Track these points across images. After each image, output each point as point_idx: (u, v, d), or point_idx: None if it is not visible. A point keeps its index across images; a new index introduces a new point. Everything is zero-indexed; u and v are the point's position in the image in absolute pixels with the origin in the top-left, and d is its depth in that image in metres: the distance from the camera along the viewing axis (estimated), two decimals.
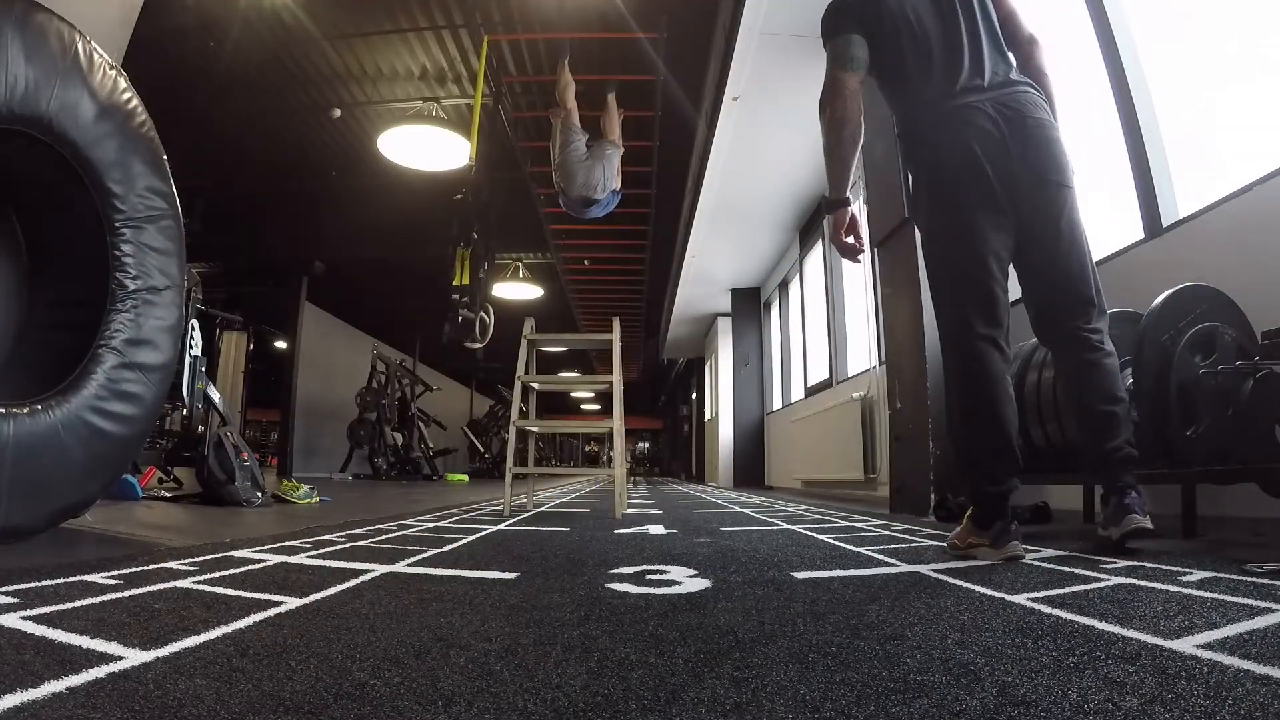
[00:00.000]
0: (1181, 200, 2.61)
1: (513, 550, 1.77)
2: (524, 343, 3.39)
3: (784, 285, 8.07)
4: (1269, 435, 1.76)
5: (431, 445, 11.28)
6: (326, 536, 1.96)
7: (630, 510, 3.47)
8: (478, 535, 2.14)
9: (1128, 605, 1.02)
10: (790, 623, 0.96)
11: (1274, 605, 0.99)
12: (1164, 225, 2.59)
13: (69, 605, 0.97)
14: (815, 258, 6.59)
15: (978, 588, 1.22)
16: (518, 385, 3.29)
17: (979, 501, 1.65)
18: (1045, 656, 0.77)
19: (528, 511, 3.30)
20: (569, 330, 11.36)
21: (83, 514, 1.97)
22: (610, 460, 3.97)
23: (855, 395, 4.99)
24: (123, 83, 1.95)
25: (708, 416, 11.52)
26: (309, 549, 1.68)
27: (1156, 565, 1.39)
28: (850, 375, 5.59)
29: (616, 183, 4.38)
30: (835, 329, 5.87)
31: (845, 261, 5.70)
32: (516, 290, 10.16)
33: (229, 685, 0.66)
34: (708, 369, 11.73)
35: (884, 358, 3.95)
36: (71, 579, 1.16)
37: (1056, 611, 1.00)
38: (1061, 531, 2.33)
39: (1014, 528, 1.59)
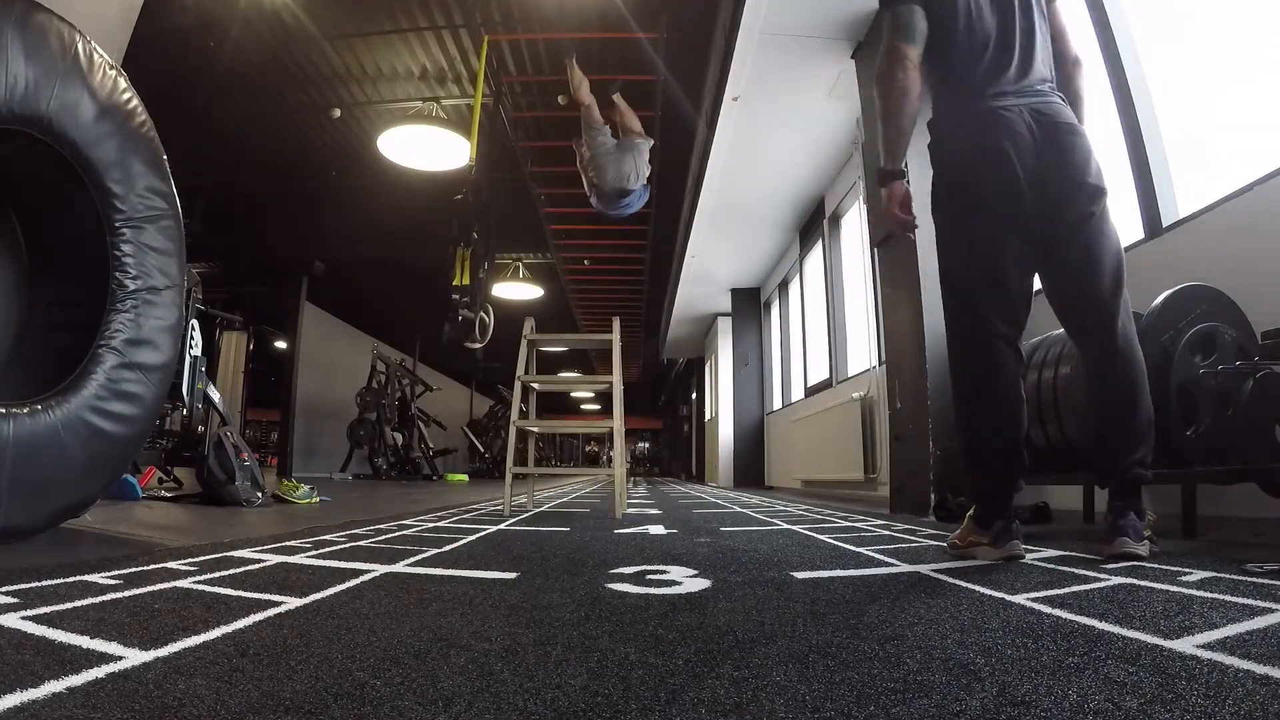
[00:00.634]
0: (1181, 200, 2.61)
1: (513, 550, 1.77)
2: (524, 343, 3.39)
3: (784, 285, 8.07)
4: (1269, 435, 1.76)
5: (431, 445, 11.28)
6: (326, 536, 1.96)
7: (630, 510, 3.47)
8: (478, 535, 2.14)
9: (1128, 605, 1.02)
10: (790, 623, 0.96)
11: (1274, 605, 0.99)
12: (1164, 225, 2.59)
13: (69, 605, 0.97)
14: (815, 258, 6.59)
15: (978, 588, 1.22)
16: (518, 385, 3.29)
17: (981, 499, 1.65)
18: (1045, 656, 0.77)
19: (528, 511, 3.30)
20: (569, 330, 11.36)
21: (83, 514, 1.97)
22: (610, 460, 3.97)
23: (855, 395, 4.99)
24: (123, 83, 1.95)
25: (708, 416, 11.52)
26: (309, 549, 1.68)
27: (1156, 565, 1.39)
28: (850, 375, 5.59)
29: (648, 171, 4.30)
30: (835, 329, 5.87)
31: (845, 261, 5.74)
32: (516, 290, 10.16)
33: (229, 685, 0.66)
34: (708, 369, 11.73)
35: (884, 358, 3.95)
36: (71, 579, 1.16)
37: (1056, 611, 1.00)
38: (1061, 531, 2.33)
39: (1015, 527, 1.59)
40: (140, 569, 1.30)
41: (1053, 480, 2.58)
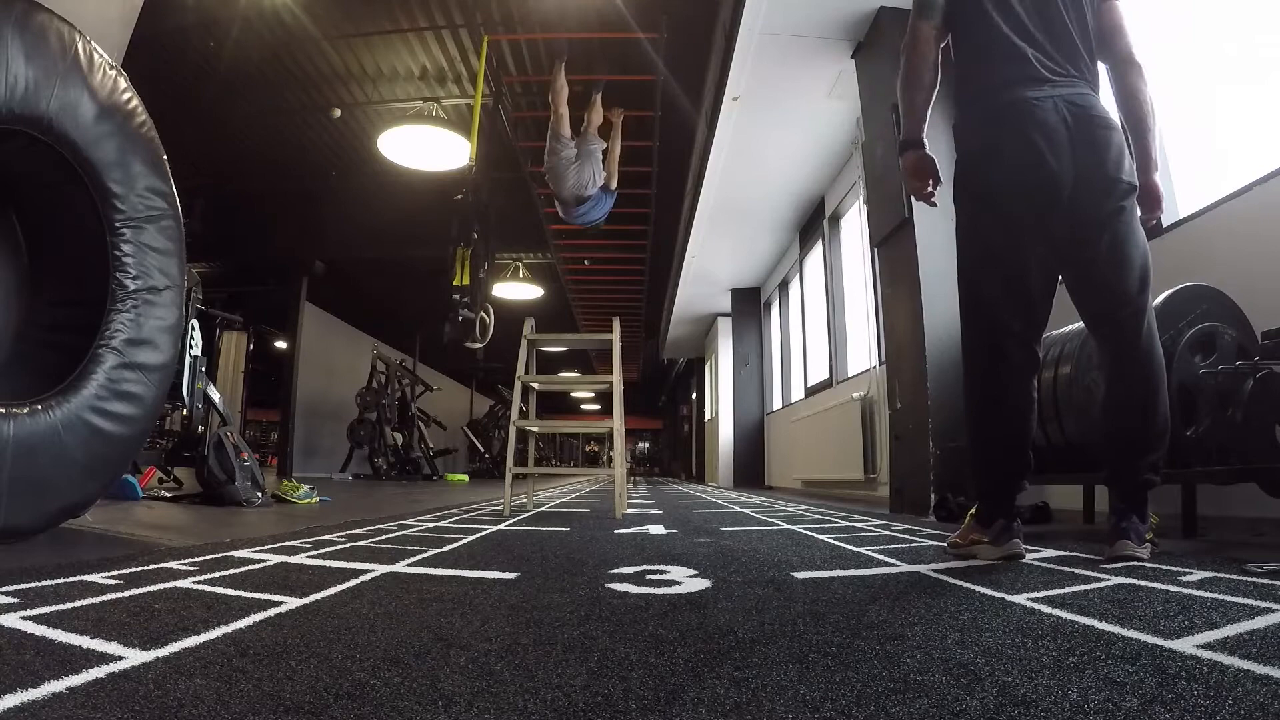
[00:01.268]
0: (1181, 200, 2.61)
1: (513, 550, 1.77)
2: (524, 343, 3.39)
3: (784, 285, 8.07)
4: (1269, 435, 1.76)
5: (431, 445, 11.28)
6: (326, 536, 1.96)
7: (630, 510, 3.47)
8: (478, 535, 2.14)
9: (1128, 605, 1.02)
10: (790, 623, 0.96)
11: (1274, 605, 0.99)
12: (1164, 225, 2.59)
13: (69, 605, 0.97)
14: (815, 258, 6.59)
15: (978, 588, 1.22)
16: (518, 385, 3.29)
17: (984, 498, 1.64)
18: (1045, 656, 0.77)
19: (528, 511, 3.30)
20: (569, 330, 11.36)
21: (83, 514, 1.97)
22: (610, 460, 3.98)
23: (855, 395, 4.99)
24: (123, 83, 1.95)
25: (708, 416, 11.52)
26: (309, 549, 1.68)
27: (1156, 565, 1.39)
28: (850, 375, 5.59)
29: (610, 181, 4.53)
30: (835, 329, 5.87)
31: (845, 261, 5.74)
32: (516, 290, 10.16)
33: (229, 685, 0.66)
34: (708, 369, 11.73)
35: (884, 358, 3.95)
36: (71, 579, 1.16)
37: (1056, 611, 1.00)
38: (1061, 531, 2.33)
39: (1016, 526, 1.59)
40: (140, 569, 1.30)
41: (1053, 480, 2.58)
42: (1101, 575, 1.30)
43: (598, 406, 26.89)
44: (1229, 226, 2.28)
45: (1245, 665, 0.71)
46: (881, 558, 1.65)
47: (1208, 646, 0.79)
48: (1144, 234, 1.60)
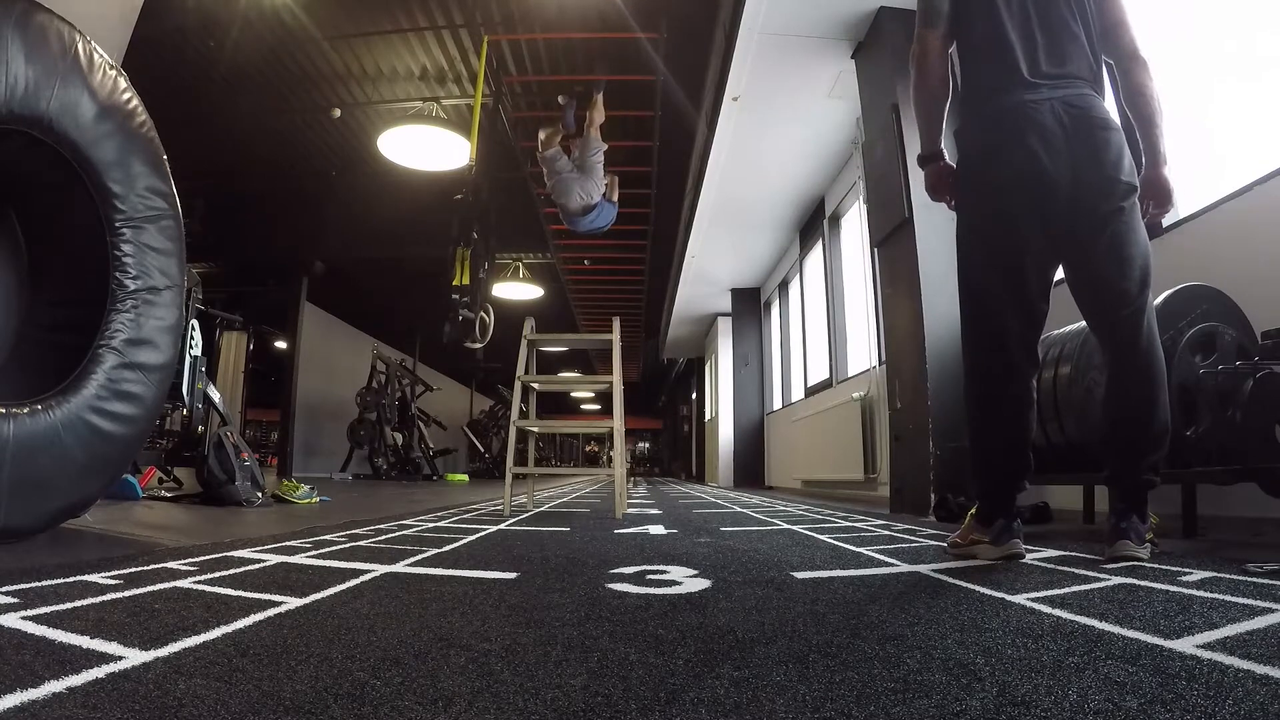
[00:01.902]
0: (1181, 200, 2.61)
1: (513, 550, 1.77)
2: (524, 343, 3.39)
3: (784, 285, 8.07)
4: (1269, 435, 1.76)
5: (431, 445, 11.28)
6: (326, 536, 1.96)
7: (630, 510, 3.47)
8: (478, 535, 2.14)
9: (1128, 605, 1.02)
10: (790, 623, 0.96)
11: (1274, 605, 0.99)
12: (1164, 225, 2.59)
13: (69, 605, 0.97)
14: (815, 258, 6.59)
15: (978, 588, 1.22)
16: (518, 385, 3.29)
17: (985, 498, 1.65)
18: (1045, 656, 0.77)
19: (528, 511, 3.30)
20: (569, 330, 11.36)
21: (83, 514, 1.97)
22: (610, 460, 3.98)
23: (855, 395, 4.99)
24: (123, 83, 1.95)
25: (708, 416, 11.52)
26: (309, 549, 1.68)
27: (1156, 565, 1.39)
28: (850, 375, 5.59)
29: (611, 193, 4.73)
30: (835, 329, 5.87)
31: (845, 261, 5.74)
32: (516, 290, 10.16)
33: (229, 685, 0.66)
34: (708, 369, 11.73)
35: (884, 358, 3.95)
36: (71, 579, 1.16)
37: (1056, 611, 1.00)
38: (1061, 531, 2.33)
39: (1016, 526, 1.59)
40: (140, 569, 1.30)
41: (1053, 480, 2.58)
42: (1101, 575, 1.30)
43: (598, 406, 26.89)
44: (1229, 226, 2.28)
45: (1245, 665, 0.71)
46: (881, 558, 1.65)
47: (1208, 646, 0.79)
48: (1145, 234, 1.59)
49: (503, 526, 2.47)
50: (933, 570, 1.44)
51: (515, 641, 0.85)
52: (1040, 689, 0.66)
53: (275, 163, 7.39)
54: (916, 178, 3.24)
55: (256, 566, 1.39)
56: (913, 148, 3.28)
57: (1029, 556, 1.58)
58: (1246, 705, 0.60)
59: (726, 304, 9.28)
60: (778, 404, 8.38)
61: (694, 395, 14.58)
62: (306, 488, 3.80)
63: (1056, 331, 2.37)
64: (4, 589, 1.05)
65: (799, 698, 0.64)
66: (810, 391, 6.76)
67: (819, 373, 6.50)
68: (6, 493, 1.56)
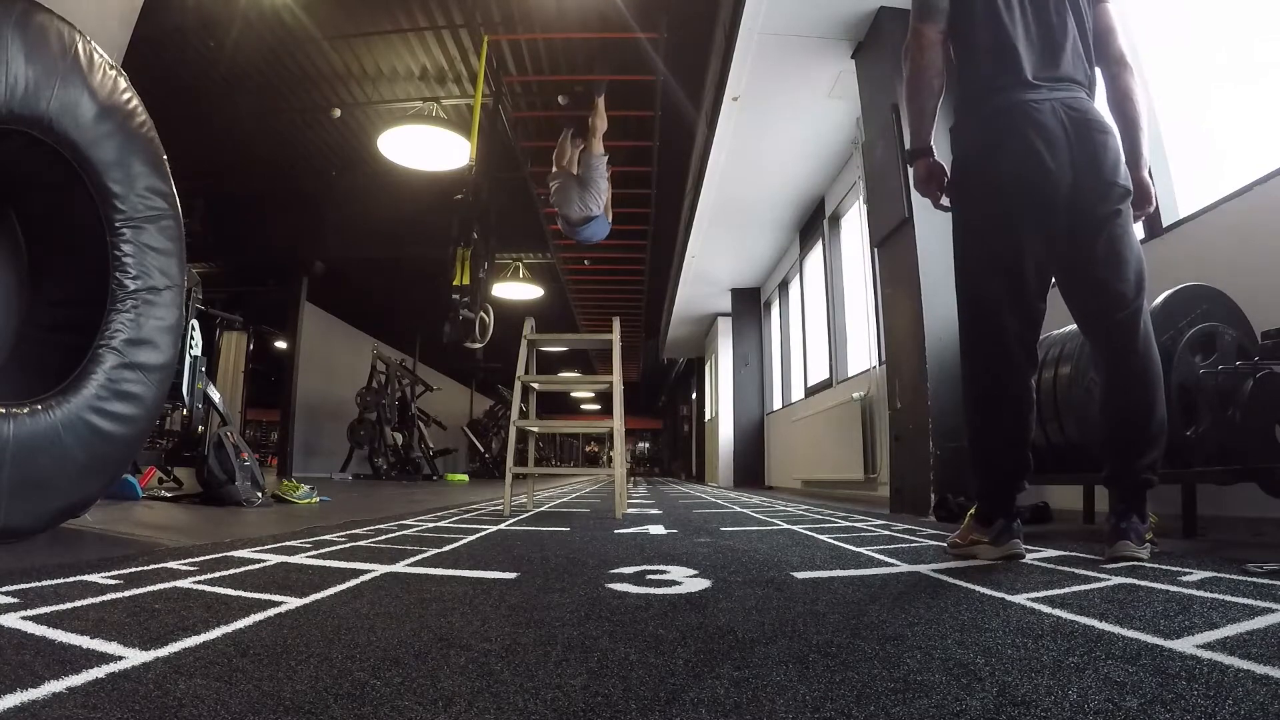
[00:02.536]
0: (1181, 200, 2.61)
1: (513, 550, 1.77)
2: (524, 343, 3.39)
3: (784, 285, 8.07)
4: (1269, 435, 1.76)
5: (431, 445, 11.27)
6: (326, 536, 1.96)
7: (630, 510, 3.47)
8: (478, 535, 2.14)
9: (1128, 605, 1.02)
10: (790, 623, 0.96)
11: (1274, 605, 0.99)
12: (1164, 225, 2.59)
13: (69, 605, 0.97)
14: (815, 258, 6.59)
15: (978, 588, 1.22)
16: (518, 385, 3.29)
17: (984, 498, 1.65)
18: (1045, 656, 0.77)
19: (528, 511, 3.30)
20: (569, 330, 11.36)
21: (83, 514, 1.97)
22: (610, 460, 3.98)
23: (855, 395, 4.99)
24: (123, 83, 1.95)
25: (708, 416, 11.52)
26: (309, 549, 1.68)
27: (1156, 565, 1.39)
28: (850, 375, 5.59)
29: (605, 200, 4.85)
30: (835, 329, 5.87)
31: (845, 261, 5.75)
32: (516, 290, 10.16)
33: (229, 685, 0.66)
34: (708, 369, 11.73)
35: (884, 358, 3.95)
36: (71, 579, 1.16)
37: (1056, 611, 1.00)
38: (1061, 531, 2.33)
39: (1015, 526, 1.59)
40: (140, 569, 1.30)
41: (1053, 480, 2.58)
42: (1101, 575, 1.30)
43: (598, 406, 26.89)
44: (1229, 226, 2.28)
45: (1245, 665, 0.71)
46: (881, 558, 1.65)
47: (1208, 646, 0.79)
48: (1137, 238, 1.61)
49: (503, 526, 2.47)
50: (933, 570, 1.44)
51: (515, 641, 0.85)
52: (1040, 689, 0.66)
53: (275, 163, 7.39)
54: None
55: (256, 566, 1.39)
56: None
57: (1029, 556, 1.58)
58: (1246, 705, 0.60)
59: (726, 304, 9.28)
60: (778, 404, 8.38)
61: (694, 395, 14.58)
62: (306, 488, 3.80)
63: (1056, 331, 2.37)
64: (4, 589, 1.05)
65: (799, 698, 0.64)
66: (810, 391, 6.76)
67: (819, 373, 6.50)
68: (6, 493, 1.56)
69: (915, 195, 3.20)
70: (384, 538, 1.98)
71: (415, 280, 9.58)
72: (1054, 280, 1.67)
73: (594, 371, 17.87)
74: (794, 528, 2.49)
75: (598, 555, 1.67)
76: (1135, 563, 1.42)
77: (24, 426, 1.61)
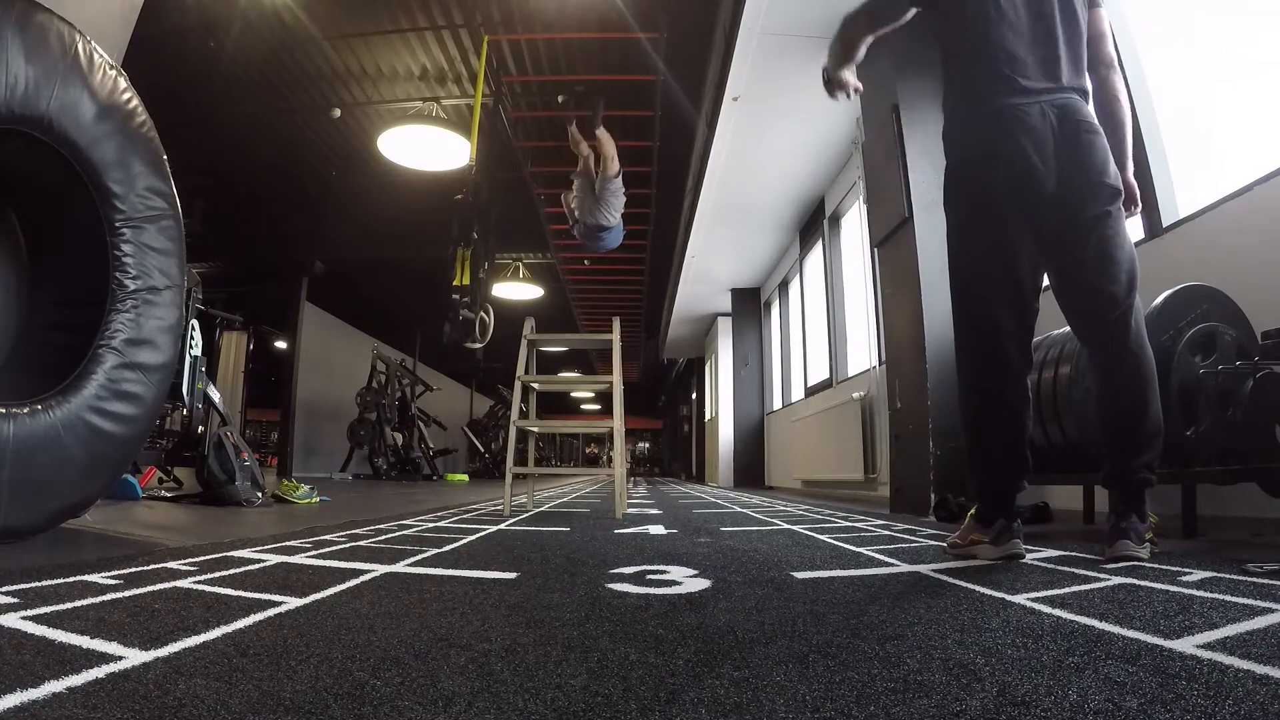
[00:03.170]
0: (1181, 200, 2.61)
1: (513, 550, 1.77)
2: (524, 343, 3.39)
3: (784, 285, 8.07)
4: (1269, 435, 1.76)
5: (431, 445, 11.27)
6: (326, 536, 1.96)
7: (630, 510, 3.47)
8: (478, 535, 2.14)
9: (1128, 605, 1.02)
10: (790, 623, 0.96)
11: (1274, 605, 0.99)
12: (1164, 225, 2.59)
13: (69, 605, 0.97)
14: (815, 258, 6.59)
15: (978, 588, 1.22)
16: (518, 385, 3.29)
17: (984, 497, 1.65)
18: (1045, 656, 0.77)
19: (528, 511, 3.30)
20: (569, 330, 11.36)
21: (83, 514, 1.97)
22: (610, 460, 3.98)
23: (855, 395, 4.99)
24: (123, 83, 1.95)
25: (708, 416, 11.52)
26: (309, 549, 1.68)
27: (1156, 565, 1.39)
28: (850, 375, 5.59)
29: (621, 208, 4.94)
30: (835, 329, 5.87)
31: (845, 261, 5.75)
32: (516, 290, 10.16)
33: (229, 685, 0.66)
34: (708, 369, 11.73)
35: (884, 358, 3.95)
36: (71, 579, 1.16)
37: (1056, 611, 1.00)
38: (1061, 531, 2.33)
39: (1015, 526, 1.59)
40: (140, 569, 1.30)
41: (1053, 480, 2.58)
42: (1101, 575, 1.30)
43: (598, 407, 26.89)
44: (1229, 226, 2.28)
45: (1245, 665, 0.71)
46: (881, 558, 1.65)
47: (1208, 646, 0.79)
48: (1129, 238, 1.62)
49: (503, 526, 2.47)
50: (933, 570, 1.44)
51: (515, 641, 0.85)
52: (1040, 689, 0.66)
53: (275, 163, 7.39)
54: (916, 178, 3.26)
55: (256, 566, 1.39)
56: (912, 147, 3.31)
57: (1029, 556, 1.58)
58: (1246, 705, 0.60)
59: (726, 304, 9.28)
60: (778, 404, 8.38)
61: (694, 395, 14.58)
62: (306, 488, 3.80)
63: (1056, 332, 2.37)
64: (4, 589, 1.05)
65: (799, 698, 0.64)
66: (810, 391, 6.76)
67: (819, 373, 6.50)
68: (6, 493, 1.56)
69: (915, 195, 3.23)
70: (384, 538, 1.98)
71: (415, 280, 9.59)
72: (1052, 282, 1.68)
73: (594, 371, 17.87)
74: (794, 528, 2.49)
75: (598, 555, 1.67)
76: (1135, 563, 1.42)
77: (24, 426, 1.61)
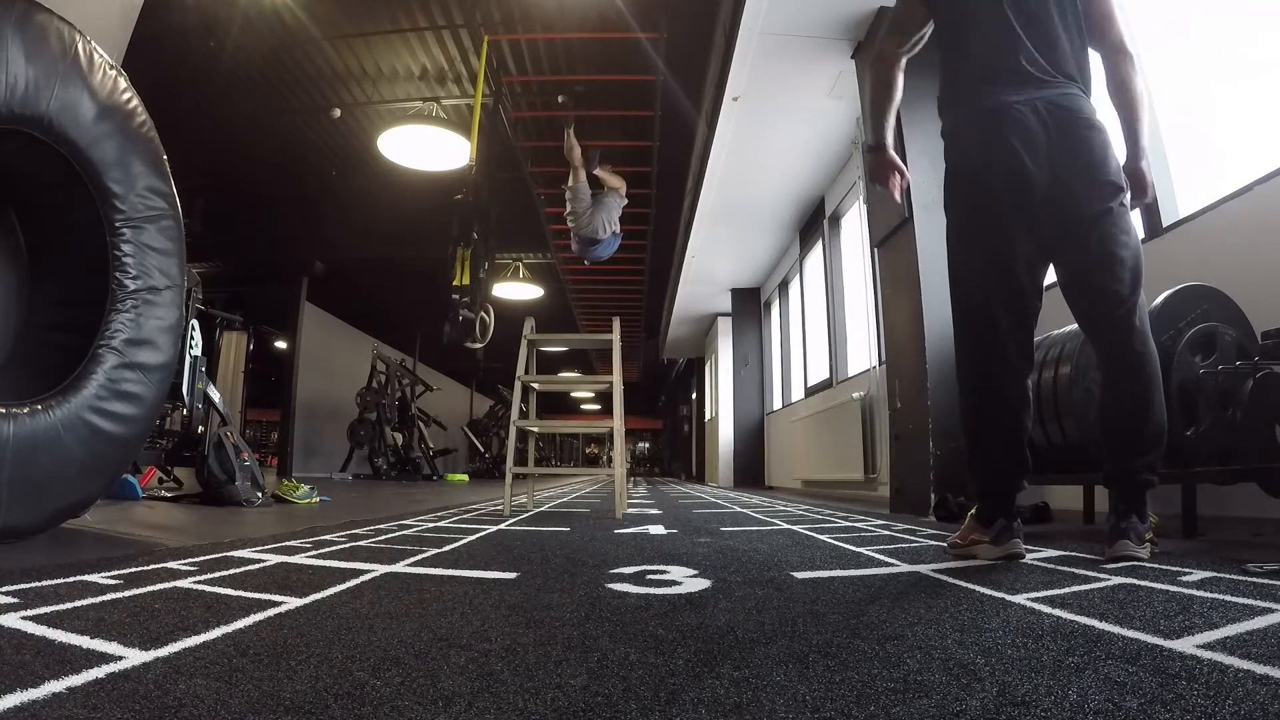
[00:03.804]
0: (1181, 200, 2.61)
1: (513, 550, 1.77)
2: (524, 343, 3.39)
3: (784, 285, 8.07)
4: (1269, 435, 1.76)
5: (431, 445, 11.27)
6: (326, 536, 1.96)
7: (630, 510, 3.47)
8: (478, 535, 2.14)
9: (1128, 605, 1.02)
10: (790, 623, 0.96)
11: (1274, 605, 0.99)
12: (1164, 225, 2.59)
13: (69, 605, 0.97)
14: (815, 258, 6.59)
15: (978, 588, 1.22)
16: (518, 385, 3.29)
17: (984, 497, 1.65)
18: (1045, 656, 0.77)
19: (528, 511, 3.30)
20: (569, 330, 11.36)
21: (83, 514, 1.97)
22: (610, 460, 3.98)
23: (855, 395, 4.99)
24: (123, 83, 1.95)
25: (708, 416, 11.52)
26: (309, 549, 1.68)
27: (1156, 565, 1.39)
28: (850, 375, 5.59)
29: (617, 227, 5.12)
30: (835, 329, 5.87)
31: (845, 261, 5.75)
32: (516, 290, 10.16)
33: (229, 685, 0.66)
34: (708, 369, 11.73)
35: (884, 358, 3.95)
36: (71, 579, 1.16)
37: (1056, 611, 1.00)
38: (1061, 531, 2.33)
39: (1016, 526, 1.59)
40: (140, 569, 1.30)
41: (1053, 480, 2.58)
42: (1101, 575, 1.30)
43: (598, 407, 26.89)
44: (1229, 226, 2.28)
45: (1245, 665, 0.71)
46: (881, 558, 1.65)
47: (1208, 646, 0.79)
48: (1136, 233, 1.60)
49: (503, 526, 2.47)
50: (933, 570, 1.44)
51: (515, 641, 0.85)
52: (1040, 689, 0.66)
53: (275, 163, 7.39)
54: (916, 178, 3.26)
55: (256, 566, 1.39)
56: (912, 147, 3.31)
57: (1029, 556, 1.58)
58: (1246, 705, 0.60)
59: (726, 304, 9.28)
60: (778, 404, 8.38)
61: (694, 395, 14.58)
62: (306, 488, 3.80)
63: (1056, 331, 2.37)
64: (4, 589, 1.05)
65: (799, 698, 0.64)
66: (810, 391, 6.76)
67: (819, 373, 6.50)
68: (6, 492, 1.56)
69: (915, 195, 3.23)
70: (384, 538, 1.98)
71: (415, 280, 9.59)
72: (1058, 279, 1.67)
73: (594, 371, 17.87)
74: (794, 528, 2.49)
75: (598, 555, 1.67)
76: (1135, 563, 1.42)
77: (24, 426, 1.61)
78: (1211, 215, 2.35)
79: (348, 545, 1.78)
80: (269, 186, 7.98)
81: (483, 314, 5.55)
